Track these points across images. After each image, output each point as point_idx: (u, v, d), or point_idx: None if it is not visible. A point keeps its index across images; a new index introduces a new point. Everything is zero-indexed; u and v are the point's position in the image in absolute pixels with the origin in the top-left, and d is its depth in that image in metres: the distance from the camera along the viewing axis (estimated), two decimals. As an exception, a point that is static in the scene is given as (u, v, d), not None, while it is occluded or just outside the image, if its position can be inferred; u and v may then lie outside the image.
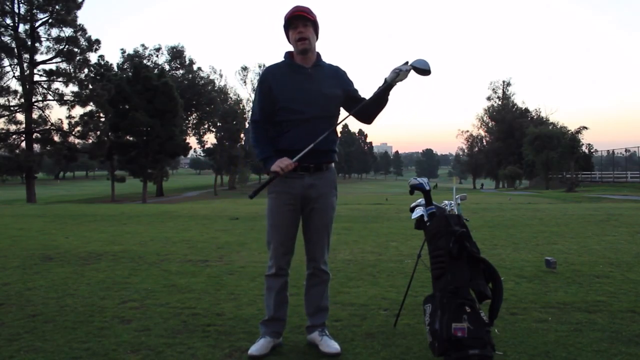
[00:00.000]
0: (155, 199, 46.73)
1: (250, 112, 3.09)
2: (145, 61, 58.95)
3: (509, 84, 75.52)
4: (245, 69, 72.89)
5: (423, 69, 2.81)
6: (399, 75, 2.79)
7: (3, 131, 38.00)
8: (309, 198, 2.87)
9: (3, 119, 38.28)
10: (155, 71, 51.42)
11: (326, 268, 3.00)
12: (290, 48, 2.88)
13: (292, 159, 2.75)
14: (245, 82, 73.56)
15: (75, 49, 39.33)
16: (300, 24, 2.76)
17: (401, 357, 2.76)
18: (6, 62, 38.05)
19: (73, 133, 40.70)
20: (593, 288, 4.16)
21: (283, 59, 2.91)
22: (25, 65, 38.29)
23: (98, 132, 42.51)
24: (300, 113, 2.79)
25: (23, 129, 38.57)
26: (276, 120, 2.84)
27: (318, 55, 2.90)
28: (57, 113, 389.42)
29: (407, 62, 2.81)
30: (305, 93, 2.81)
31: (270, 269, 2.95)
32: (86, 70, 41.94)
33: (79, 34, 39.66)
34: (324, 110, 2.85)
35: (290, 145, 2.79)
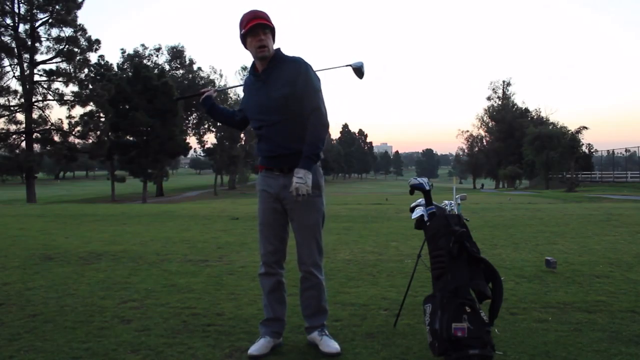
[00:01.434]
0: (155, 199, 46.73)
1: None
2: (145, 61, 58.93)
3: (509, 84, 75.47)
4: (245, 69, 72.68)
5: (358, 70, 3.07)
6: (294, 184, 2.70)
7: (3, 131, 38.04)
8: (284, 198, 2.84)
9: (3, 119, 38.37)
10: (155, 71, 51.42)
11: (317, 272, 2.91)
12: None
13: (268, 164, 2.88)
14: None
15: (75, 49, 39.34)
16: (260, 31, 2.74)
17: (401, 357, 2.76)
18: (6, 62, 38.15)
19: (73, 133, 40.72)
20: (593, 288, 4.16)
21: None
22: (25, 65, 38.31)
23: (98, 132, 42.56)
24: (261, 121, 2.84)
25: (23, 129, 38.59)
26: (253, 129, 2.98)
27: (276, 52, 2.82)
28: (57, 113, 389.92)
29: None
30: (259, 100, 2.84)
31: (261, 268, 2.98)
32: (86, 70, 42.01)
33: (79, 34, 39.68)
34: (279, 113, 2.76)
35: (266, 152, 2.87)
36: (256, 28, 2.73)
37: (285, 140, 2.79)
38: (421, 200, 3.08)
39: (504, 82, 75.53)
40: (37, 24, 38.76)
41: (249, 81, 2.96)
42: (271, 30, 2.79)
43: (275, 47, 2.85)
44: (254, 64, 2.91)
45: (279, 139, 2.80)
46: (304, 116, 2.76)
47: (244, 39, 2.80)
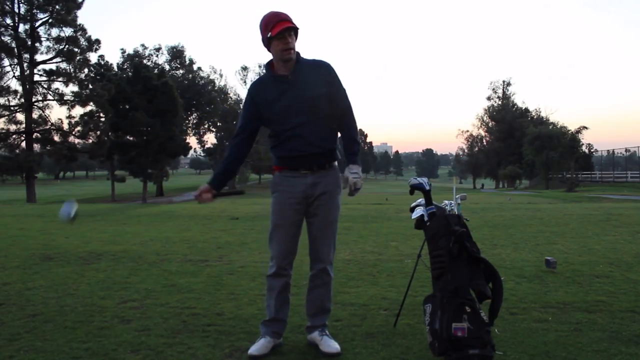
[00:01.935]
0: (155, 199, 46.72)
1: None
2: (145, 61, 58.90)
3: (509, 84, 75.39)
4: (245, 69, 72.78)
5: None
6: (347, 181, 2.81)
7: (3, 131, 38.03)
8: (312, 196, 2.86)
9: (3, 119, 38.37)
10: (155, 71, 51.38)
11: (331, 269, 2.99)
12: (269, 56, 2.84)
13: (294, 165, 2.84)
14: (245, 82, 73.27)
15: (75, 49, 39.33)
16: (287, 34, 2.72)
17: (401, 357, 2.76)
18: (6, 62, 38.13)
19: (73, 133, 40.72)
20: (593, 288, 4.16)
21: (265, 71, 2.89)
22: (25, 65, 38.30)
23: (98, 132, 42.56)
24: (290, 123, 2.81)
25: (23, 129, 38.59)
26: (272, 133, 2.89)
27: (297, 55, 2.83)
28: (57, 113, 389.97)
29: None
30: (290, 102, 2.79)
31: (271, 269, 2.94)
32: (86, 70, 42.00)
33: (79, 33, 39.67)
34: (312, 114, 2.80)
35: (290, 152, 2.84)
36: (284, 32, 2.71)
37: (317, 139, 2.82)
38: (421, 200, 3.08)
39: (504, 82, 75.50)
40: (37, 24, 38.76)
41: (268, 84, 2.84)
42: (295, 31, 2.78)
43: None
44: (270, 66, 2.86)
45: (312, 138, 2.81)
46: (332, 116, 2.84)
47: (268, 41, 2.77)
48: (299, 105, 2.79)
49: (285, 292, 2.96)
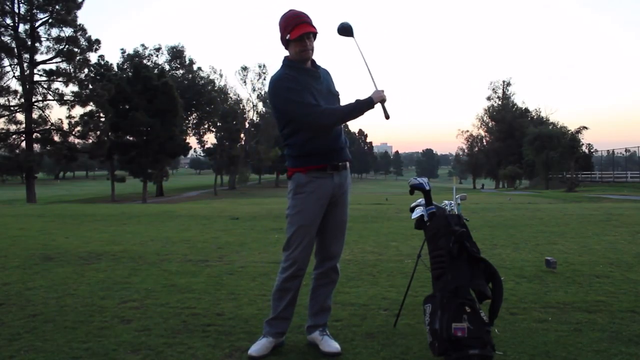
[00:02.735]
0: (155, 199, 46.72)
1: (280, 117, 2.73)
2: (145, 61, 58.92)
3: (509, 84, 75.39)
4: (245, 69, 72.84)
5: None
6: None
7: (3, 131, 38.05)
8: (335, 196, 2.91)
9: (3, 119, 38.41)
10: (155, 71, 51.40)
11: (339, 267, 3.05)
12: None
13: (324, 161, 2.84)
14: (245, 82, 73.54)
15: (75, 49, 39.36)
16: (305, 37, 2.74)
17: (401, 357, 2.76)
18: (6, 62, 38.19)
19: (73, 133, 40.75)
20: (593, 288, 4.16)
21: (284, 64, 2.85)
22: (25, 65, 38.33)
23: (98, 132, 42.62)
24: None
25: (23, 129, 38.62)
26: (298, 127, 2.81)
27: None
28: (57, 113, 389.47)
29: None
30: (319, 94, 2.82)
31: (287, 271, 2.88)
32: (86, 70, 42.03)
33: (79, 33, 39.70)
34: None
35: (321, 148, 2.84)
36: (303, 36, 2.73)
37: (341, 134, 2.94)
38: (421, 200, 3.08)
39: (504, 82, 75.51)
40: (37, 24, 38.79)
41: (294, 75, 2.79)
42: (314, 34, 2.80)
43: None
44: (291, 61, 2.83)
45: (338, 132, 2.91)
46: None
47: (286, 42, 2.78)
48: (327, 99, 2.85)
49: (297, 291, 2.95)
